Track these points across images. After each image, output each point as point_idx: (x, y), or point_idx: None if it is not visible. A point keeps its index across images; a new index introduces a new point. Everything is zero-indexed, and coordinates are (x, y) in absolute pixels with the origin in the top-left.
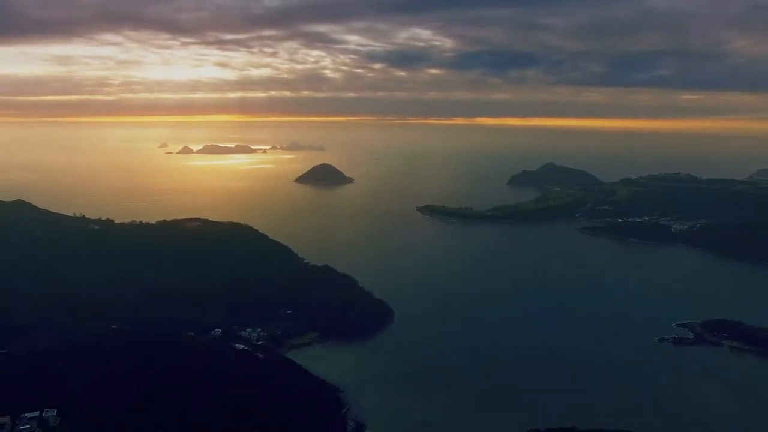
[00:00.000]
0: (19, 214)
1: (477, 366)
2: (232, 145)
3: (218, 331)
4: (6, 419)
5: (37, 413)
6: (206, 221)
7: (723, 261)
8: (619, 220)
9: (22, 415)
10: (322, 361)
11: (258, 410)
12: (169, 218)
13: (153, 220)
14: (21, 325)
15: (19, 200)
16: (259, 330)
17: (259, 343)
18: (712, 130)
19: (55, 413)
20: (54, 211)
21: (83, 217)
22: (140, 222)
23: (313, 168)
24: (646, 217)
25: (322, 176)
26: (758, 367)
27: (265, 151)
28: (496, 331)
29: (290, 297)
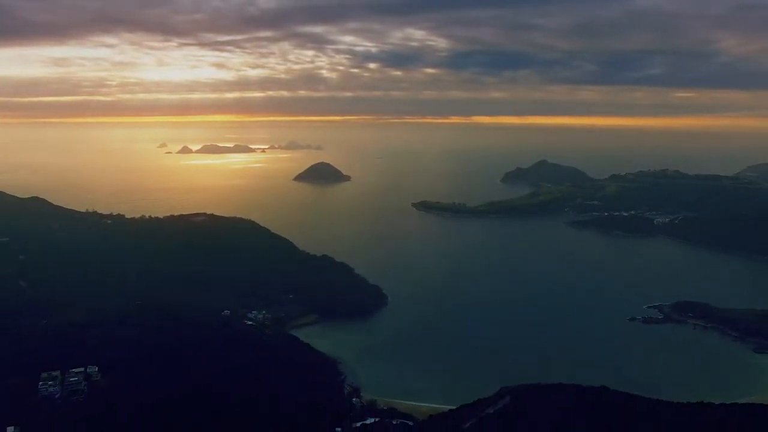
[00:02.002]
0: (35, 209)
1: (461, 341)
2: (231, 145)
3: (227, 312)
4: (57, 373)
5: (82, 369)
6: (211, 216)
7: (699, 250)
8: (606, 214)
9: (70, 371)
10: (322, 338)
11: (266, 374)
12: (176, 213)
13: (161, 215)
14: (56, 302)
15: (35, 197)
16: (264, 312)
17: (265, 323)
18: (705, 128)
19: (96, 369)
20: (66, 207)
21: (95, 212)
22: (150, 216)
23: (312, 166)
24: (633, 212)
25: (320, 174)
26: (711, 340)
27: (263, 150)
28: (480, 311)
29: (291, 283)
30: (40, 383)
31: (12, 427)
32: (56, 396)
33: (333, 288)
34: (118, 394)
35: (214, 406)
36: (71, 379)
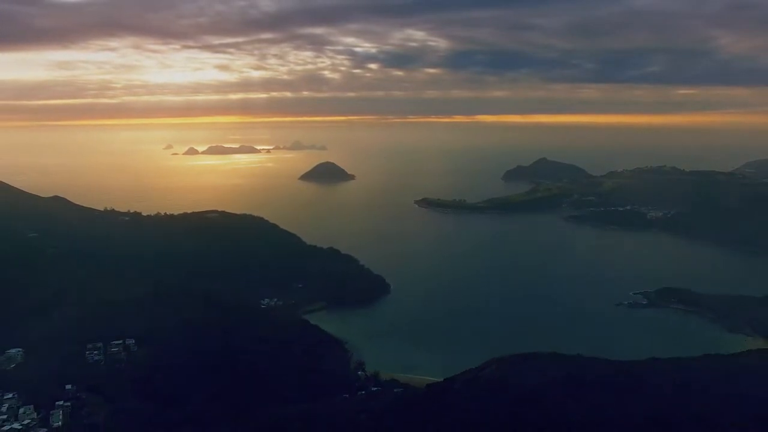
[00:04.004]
0: (57, 207)
1: (458, 324)
2: (237, 146)
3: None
4: (100, 344)
5: (121, 341)
6: (223, 213)
7: (688, 242)
8: (602, 209)
9: (111, 342)
10: (330, 322)
11: (281, 348)
12: (189, 211)
13: (175, 212)
14: (90, 288)
15: (55, 196)
16: (275, 299)
17: (277, 309)
18: (705, 124)
19: (134, 341)
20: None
21: (113, 210)
22: (165, 214)
23: (317, 166)
24: (628, 207)
25: (325, 174)
26: (689, 321)
27: (268, 150)
28: (476, 298)
29: (300, 273)
30: (86, 352)
31: (69, 385)
32: (101, 363)
33: (339, 277)
34: (155, 362)
35: (238, 371)
36: (112, 349)
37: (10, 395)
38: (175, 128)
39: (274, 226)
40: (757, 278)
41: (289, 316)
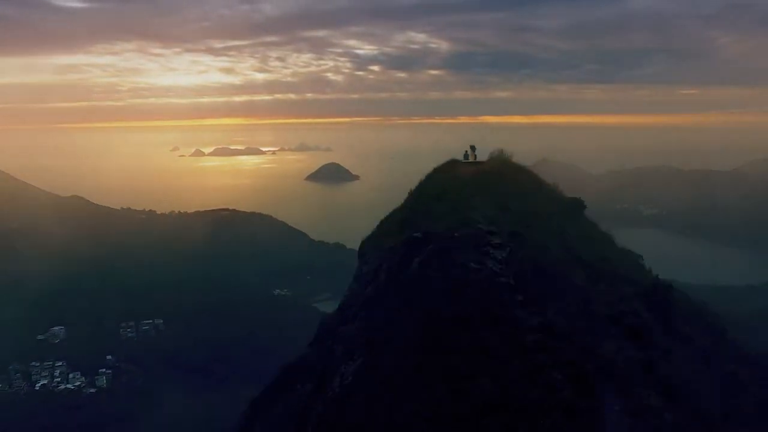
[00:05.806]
0: (77, 206)
1: None
2: (242, 147)
3: None
4: (132, 323)
5: (150, 320)
6: (234, 211)
7: (681, 239)
8: (600, 207)
9: (142, 321)
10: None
11: (292, 329)
12: (200, 209)
13: (188, 210)
14: (117, 277)
15: (75, 195)
16: (285, 290)
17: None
18: (706, 125)
19: (162, 321)
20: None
21: (129, 208)
22: (178, 212)
23: (322, 167)
24: (626, 205)
25: (330, 174)
26: None
27: (274, 152)
28: None
29: (308, 266)
30: (120, 329)
31: (109, 356)
32: (134, 339)
33: (345, 270)
34: (181, 338)
35: (255, 346)
36: (144, 327)
37: (60, 363)
38: (180, 130)
39: (283, 224)
40: (750, 272)
41: (299, 304)
